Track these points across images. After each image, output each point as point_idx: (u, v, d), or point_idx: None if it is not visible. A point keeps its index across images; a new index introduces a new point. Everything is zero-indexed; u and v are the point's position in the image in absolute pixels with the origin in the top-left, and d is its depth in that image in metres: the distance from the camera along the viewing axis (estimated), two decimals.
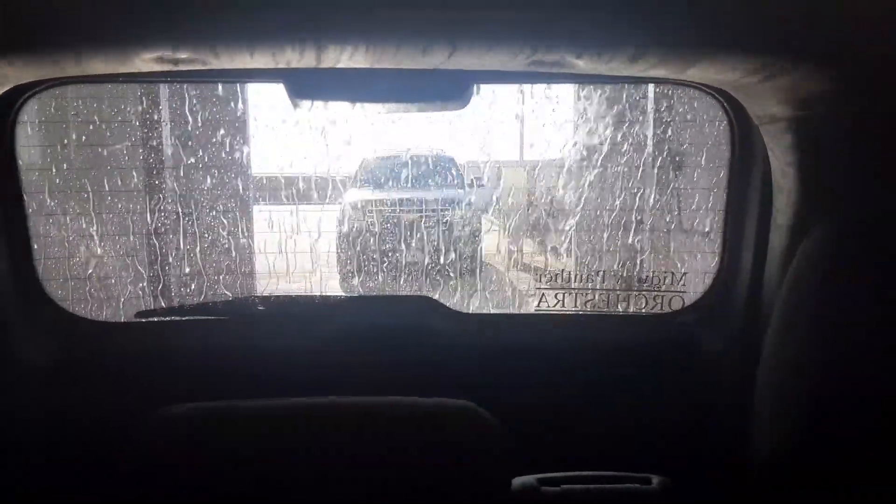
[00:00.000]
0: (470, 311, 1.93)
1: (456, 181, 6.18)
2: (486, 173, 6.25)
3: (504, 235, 6.10)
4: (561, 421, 1.54)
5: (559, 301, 2.39)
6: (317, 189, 5.00)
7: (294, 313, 1.68)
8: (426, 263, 5.30)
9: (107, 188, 4.46)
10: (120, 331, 1.80)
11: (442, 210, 5.70)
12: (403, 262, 5.39)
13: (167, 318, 1.72)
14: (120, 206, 4.51)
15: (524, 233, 5.96)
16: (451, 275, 5.22)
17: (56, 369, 1.53)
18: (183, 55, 1.22)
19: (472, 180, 6.26)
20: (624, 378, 1.59)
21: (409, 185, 5.78)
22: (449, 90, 1.46)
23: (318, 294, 4.40)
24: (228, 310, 1.69)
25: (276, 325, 1.63)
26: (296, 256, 4.81)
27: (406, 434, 1.31)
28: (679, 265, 4.43)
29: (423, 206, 5.65)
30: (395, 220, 5.50)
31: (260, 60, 1.28)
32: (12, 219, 1.49)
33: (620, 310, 2.75)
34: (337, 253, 5.77)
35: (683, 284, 1.97)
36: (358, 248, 5.44)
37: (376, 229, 5.42)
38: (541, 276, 5.66)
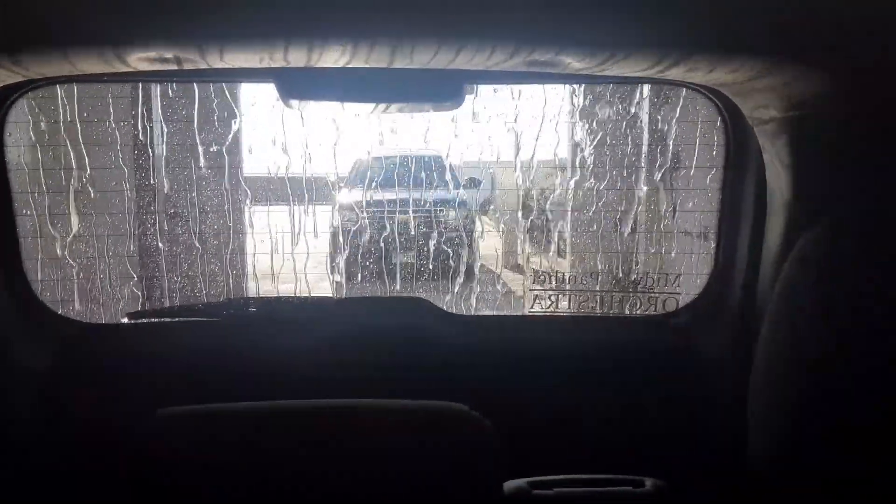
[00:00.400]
0: (463, 313, 1.92)
1: (449, 182, 6.18)
2: (480, 174, 6.25)
3: (498, 236, 6.10)
4: (554, 423, 1.53)
5: (553, 303, 2.38)
6: (309, 189, 4.98)
7: (286, 315, 1.67)
8: (419, 264, 5.29)
9: (97, 189, 4.44)
10: (110, 332, 1.79)
11: (435, 211, 5.69)
12: (396, 263, 5.38)
13: (158, 320, 1.71)
14: (110, 206, 4.49)
15: (518, 233, 5.95)
16: (444, 276, 5.21)
17: (46, 371, 1.52)
18: (173, 55, 1.21)
19: (465, 181, 6.25)
20: (618, 380, 1.58)
21: (403, 185, 5.77)
22: (442, 90, 1.45)
23: (310, 295, 4.39)
24: (220, 311, 1.68)
25: (268, 326, 1.62)
26: (287, 257, 4.79)
27: (398, 436, 1.30)
28: (674, 266, 4.43)
29: (417, 207, 5.64)
30: (389, 221, 5.48)
31: (251, 60, 1.27)
32: (2, 220, 1.47)
33: (615, 311, 2.75)
34: (329, 253, 5.75)
35: (678, 286, 1.97)
36: (350, 249, 5.43)
37: (369, 230, 5.40)
38: (535, 277, 5.66)
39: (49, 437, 1.50)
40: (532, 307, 2.40)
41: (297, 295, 4.18)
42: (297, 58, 1.24)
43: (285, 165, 4.79)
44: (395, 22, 1.10)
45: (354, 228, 5.56)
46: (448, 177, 6.21)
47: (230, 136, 4.72)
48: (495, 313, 4.27)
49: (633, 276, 4.32)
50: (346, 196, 6.00)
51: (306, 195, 5.00)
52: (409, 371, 1.52)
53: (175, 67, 1.27)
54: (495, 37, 1.16)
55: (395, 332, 1.62)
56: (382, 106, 1.53)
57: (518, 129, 5.19)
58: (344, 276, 5.46)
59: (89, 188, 4.38)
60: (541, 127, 4.81)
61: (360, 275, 5.23)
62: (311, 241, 5.09)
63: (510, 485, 1.37)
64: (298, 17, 1.07)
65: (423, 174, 5.76)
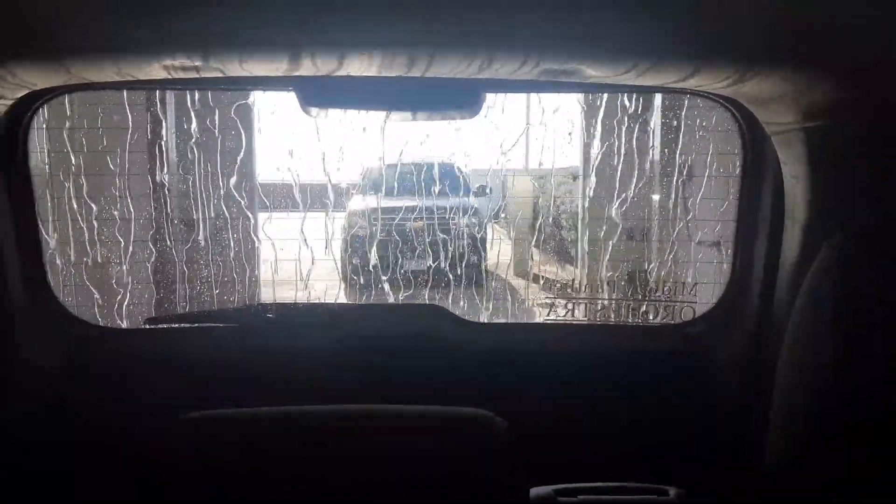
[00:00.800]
0: (479, 321, 1.91)
1: (461, 189, 6.19)
2: (492, 181, 6.25)
3: (510, 244, 6.10)
4: (572, 430, 1.53)
5: (569, 311, 2.37)
6: (322, 196, 5.01)
7: (302, 320, 1.68)
8: (430, 271, 5.29)
9: (114, 194, 4.48)
10: (129, 336, 1.80)
11: (447, 218, 5.69)
12: (407, 270, 5.38)
13: (176, 325, 1.72)
14: (127, 212, 4.52)
15: (530, 241, 5.94)
16: (456, 283, 5.21)
17: (65, 374, 1.53)
18: (196, 63, 1.23)
19: (477, 188, 6.26)
20: (635, 388, 1.57)
21: (414, 192, 5.78)
22: (460, 99, 1.46)
23: (327, 302, 4.41)
24: (237, 317, 1.69)
25: (286, 332, 1.62)
26: (300, 263, 4.81)
27: (421, 442, 1.30)
28: (690, 275, 4.38)
29: (428, 214, 5.64)
30: (400, 228, 5.50)
31: (272, 68, 1.29)
32: (24, 224, 1.49)
33: (631, 320, 2.73)
34: (341, 260, 5.76)
35: (694, 295, 1.95)
36: (362, 256, 5.44)
37: (380, 237, 5.41)
38: (549, 285, 5.65)
39: (61, 436, 1.51)
40: (548, 314, 2.39)
41: (315, 301, 4.18)
42: (317, 66, 1.25)
43: (298, 172, 4.82)
44: (414, 32, 1.11)
45: (365, 235, 5.57)
46: (458, 184, 6.22)
47: (244, 143, 4.76)
48: (511, 320, 4.25)
49: (649, 285, 4.27)
50: (358, 203, 6.02)
51: (318, 202, 5.03)
52: (426, 377, 1.52)
53: (197, 75, 1.29)
54: (514, 47, 1.16)
55: (412, 338, 1.62)
56: (401, 114, 1.54)
57: (529, 136, 5.20)
58: (354, 282, 5.48)
59: (106, 193, 4.43)
60: (553, 134, 4.82)
61: (370, 280, 5.24)
62: (323, 247, 5.12)
63: (536, 492, 1.37)
64: (319, 27, 1.08)
65: (433, 181, 5.77)
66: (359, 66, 1.24)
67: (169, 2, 1.00)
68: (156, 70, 1.25)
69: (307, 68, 1.27)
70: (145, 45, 1.15)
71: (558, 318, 2.35)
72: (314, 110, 1.48)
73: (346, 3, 1.01)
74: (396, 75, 1.31)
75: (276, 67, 1.28)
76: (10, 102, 1.33)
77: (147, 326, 1.73)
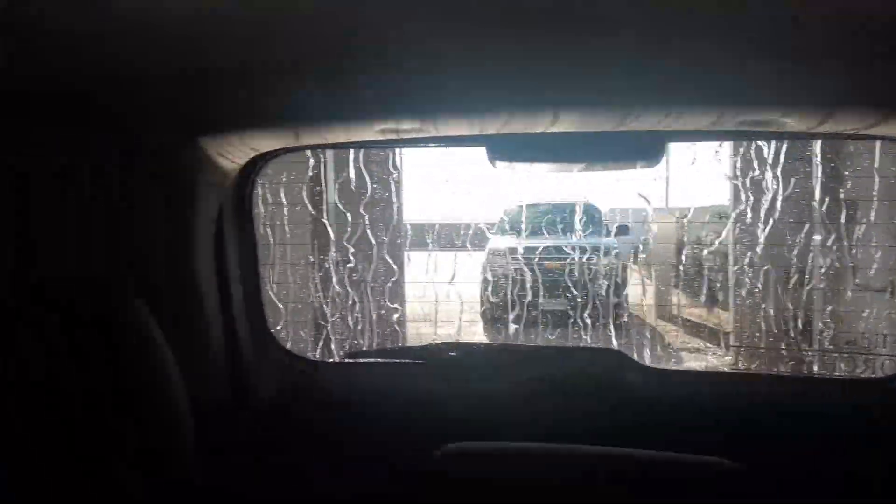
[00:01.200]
0: (659, 367, 1.88)
1: (600, 229, 6.11)
2: (631, 221, 6.11)
3: (651, 285, 5.90)
4: (780, 487, 1.47)
5: (760, 361, 2.26)
6: (464, 236, 5.17)
7: (483, 360, 1.74)
8: (569, 311, 5.24)
9: (305, 244, 4.87)
10: (336, 369, 1.95)
11: (585, 258, 5.63)
12: (546, 309, 5.36)
13: (373, 360, 1.85)
14: (300, 259, 4.90)
15: (673, 283, 5.73)
16: (594, 324, 5.12)
17: (288, 404, 1.68)
18: (406, 126, 1.36)
19: (617, 228, 6.15)
20: (839, 445, 1.49)
21: (553, 232, 5.79)
22: (644, 150, 1.47)
23: (503, 342, 4.48)
24: (425, 355, 1.78)
25: (469, 371, 1.69)
26: (443, 301, 4.96)
27: (669, 491, 1.32)
28: (859, 324, 3.95)
29: (566, 254, 5.62)
30: (539, 267, 5.52)
31: (468, 129, 1.40)
32: (248, 269, 1.67)
33: (828, 373, 2.54)
34: (480, 299, 5.85)
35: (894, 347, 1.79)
36: (500, 295, 5.49)
37: (518, 276, 5.45)
38: (696, 329, 5.39)
39: (282, 466, 1.62)
40: (735, 364, 2.31)
41: (493, 342, 4.28)
42: (508, 126, 1.34)
43: (443, 213, 5.02)
44: (611, 93, 1.16)
45: (504, 273, 5.63)
46: (598, 224, 6.16)
47: (394, 190, 5.02)
48: (692, 368, 4.03)
49: (843, 336, 3.82)
50: (497, 242, 6.12)
51: (460, 241, 5.20)
52: (610, 423, 1.53)
53: (404, 137, 1.43)
54: (706, 102, 1.18)
55: (593, 383, 1.63)
56: (582, 165, 1.59)
57: (669, 174, 5.06)
58: (494, 320, 5.53)
59: (281, 243, 4.83)
60: (698, 171, 4.65)
61: (509, 318, 5.29)
62: (465, 286, 5.25)
63: None
64: (512, 93, 1.16)
65: (572, 221, 5.75)
66: (548, 125, 1.31)
67: (394, 74, 1.12)
68: (372, 133, 1.40)
69: (500, 128, 1.36)
70: (370, 112, 1.29)
71: (741, 368, 2.26)
72: (501, 164, 1.55)
73: (543, 69, 1.08)
74: (582, 131, 1.37)
75: (472, 128, 1.39)
76: (242, 163, 1.52)
77: (348, 361, 1.86)
